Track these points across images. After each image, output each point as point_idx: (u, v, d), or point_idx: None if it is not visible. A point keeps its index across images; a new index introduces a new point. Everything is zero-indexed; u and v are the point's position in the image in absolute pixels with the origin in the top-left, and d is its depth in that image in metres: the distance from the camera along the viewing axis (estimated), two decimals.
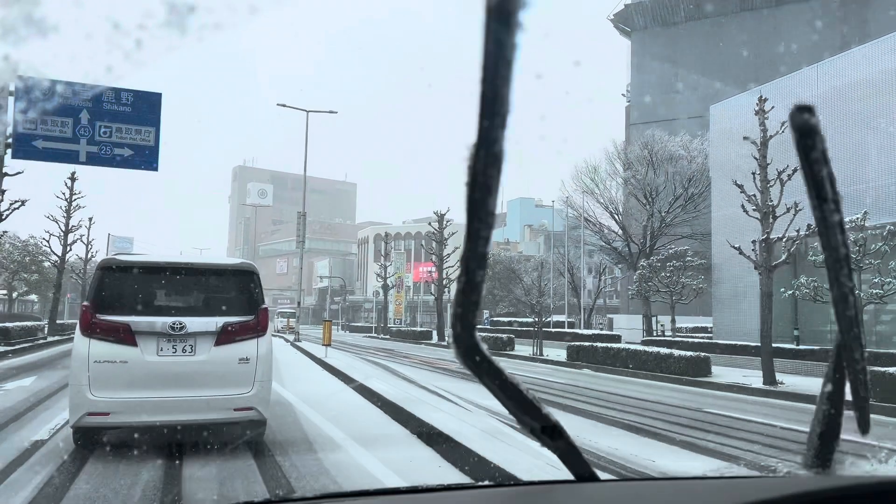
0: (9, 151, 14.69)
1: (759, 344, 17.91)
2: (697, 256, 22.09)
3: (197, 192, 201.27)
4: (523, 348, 23.83)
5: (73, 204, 24.55)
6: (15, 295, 41.55)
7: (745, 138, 13.15)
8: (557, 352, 22.04)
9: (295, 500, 1.37)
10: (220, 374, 5.50)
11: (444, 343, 29.44)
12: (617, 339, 24.07)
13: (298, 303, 30.54)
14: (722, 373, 14.95)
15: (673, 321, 22.33)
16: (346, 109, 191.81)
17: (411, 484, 1.12)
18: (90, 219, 31.62)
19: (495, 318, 39.09)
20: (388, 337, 37.95)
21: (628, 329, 30.41)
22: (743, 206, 12.98)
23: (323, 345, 17.39)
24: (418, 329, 36.55)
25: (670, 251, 21.71)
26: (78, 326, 5.53)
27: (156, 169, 15.47)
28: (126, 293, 5.63)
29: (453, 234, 35.24)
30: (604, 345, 18.06)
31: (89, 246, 32.22)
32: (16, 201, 16.61)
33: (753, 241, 13.06)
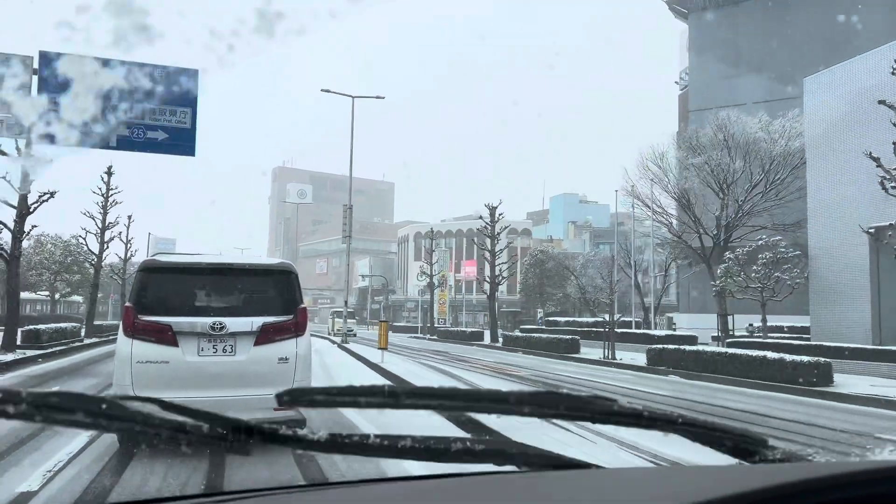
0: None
1: (873, 346, 15.54)
2: (793, 247, 19.70)
3: (237, 192, 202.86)
4: (589, 351, 21.77)
5: (110, 199, 23.29)
6: (58, 296, 41.06)
7: (881, 102, 10.93)
8: (631, 355, 19.93)
9: (339, 485, 1.24)
10: (259, 374, 5.47)
11: (499, 344, 27.49)
12: (692, 340, 21.83)
13: (345, 301, 28.82)
14: (844, 381, 12.70)
15: (764, 320, 20.00)
16: (383, 108, 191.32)
17: None
18: (129, 217, 30.52)
19: (550, 318, 36.85)
20: (435, 337, 36.03)
21: (690, 329, 28.11)
22: (882, 183, 10.77)
23: (379, 348, 15.52)
24: (468, 329, 34.47)
25: (759, 242, 19.39)
26: (121, 327, 5.54)
27: (192, 153, 13.90)
28: (167, 294, 5.62)
29: (505, 228, 33.15)
30: (693, 348, 15.91)
31: (129, 245, 31.17)
32: (44, 194, 15.25)
33: (874, 228, 10.88)
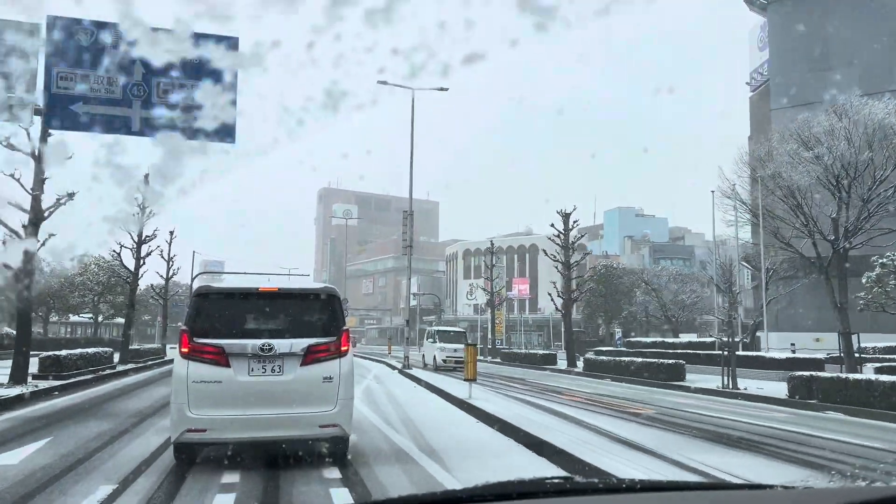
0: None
1: None
2: None
3: (284, 213, 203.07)
4: (696, 378, 18.31)
5: (147, 210, 21.00)
6: (101, 318, 39.32)
7: None
8: (755, 383, 16.44)
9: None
10: (305, 393, 5.73)
11: (578, 369, 24.04)
12: (818, 364, 18.19)
13: (407, 321, 25.81)
14: None
15: None
16: (425, 128, 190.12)
17: None
18: (171, 232, 28.34)
19: (632, 339, 33.07)
20: (498, 360, 32.66)
21: (781, 350, 24.35)
22: None
23: (465, 379, 12.12)
24: (539, 352, 30.70)
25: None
26: (178, 349, 5.88)
27: (232, 141, 11.23)
28: (220, 318, 5.93)
29: (580, 237, 29.71)
30: (862, 377, 12.44)
31: (170, 262, 28.95)
32: (62, 196, 12.85)
33: None
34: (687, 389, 16.47)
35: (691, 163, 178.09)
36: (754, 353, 22.94)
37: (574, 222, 28.23)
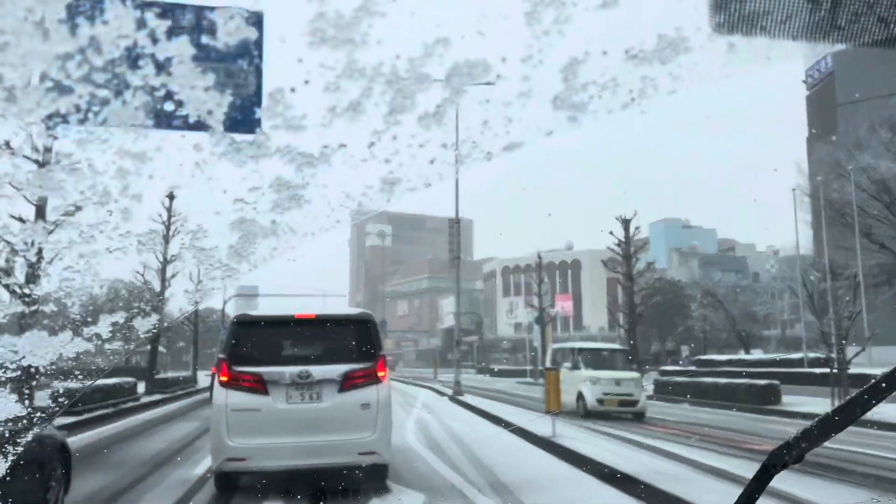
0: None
1: None
2: None
3: (317, 236, 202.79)
4: (793, 400, 16.00)
5: (172, 228, 19.52)
6: (133, 346, 38.26)
7: None
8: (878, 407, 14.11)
9: None
10: (344, 420, 5.71)
11: (647, 392, 21.53)
12: None
13: (458, 342, 23.89)
14: None
15: None
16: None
17: None
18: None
19: (701, 357, 30.32)
20: None
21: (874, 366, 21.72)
22: None
23: (547, 411, 10.09)
24: None
25: None
26: (216, 377, 5.93)
27: (252, 130, 9.55)
28: (258, 345, 5.96)
29: (642, 246, 27.50)
30: None
31: (198, 285, 27.66)
32: (71, 206, 11.33)
33: None
34: (791, 415, 14.18)
35: (737, 172, 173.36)
36: (858, 371, 20.45)
37: (636, 229, 26.10)
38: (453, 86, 1.35)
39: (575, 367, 14.69)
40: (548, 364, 15.90)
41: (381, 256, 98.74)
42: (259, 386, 5.62)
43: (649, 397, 21.08)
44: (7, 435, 1.69)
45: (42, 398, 12.44)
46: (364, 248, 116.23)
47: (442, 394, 21.16)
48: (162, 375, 23.72)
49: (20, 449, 1.69)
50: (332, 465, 5.68)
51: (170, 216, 19.75)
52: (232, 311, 32.63)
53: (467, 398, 17.84)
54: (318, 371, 5.67)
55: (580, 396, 14.12)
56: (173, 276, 20.32)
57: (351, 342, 6.07)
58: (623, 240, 25.83)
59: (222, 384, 5.74)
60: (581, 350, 15.80)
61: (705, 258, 66.81)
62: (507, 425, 11.03)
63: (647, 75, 1.37)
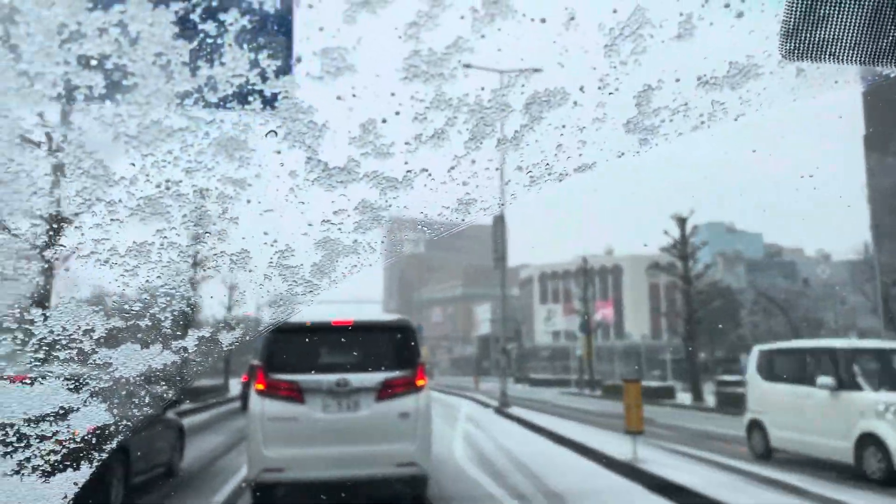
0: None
1: None
2: None
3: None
4: None
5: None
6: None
7: None
8: None
9: None
10: (381, 430, 5.62)
11: (708, 404, 21.08)
12: None
13: (504, 349, 23.74)
14: None
15: None
16: None
17: None
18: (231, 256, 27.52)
19: None
20: (599, 393, 30.01)
21: None
22: None
23: (629, 431, 8.27)
24: (653, 384, 26.70)
25: None
26: (252, 386, 5.93)
27: (273, 106, 9.66)
28: (294, 353, 5.88)
29: (701, 246, 26.41)
30: None
31: (232, 290, 28.17)
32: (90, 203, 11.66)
33: None
34: None
35: (785, 173, 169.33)
36: None
37: (693, 227, 25.11)
38: (531, 113, 1.45)
39: (846, 383, 8.32)
40: (751, 372, 10.38)
41: (416, 263, 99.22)
42: (296, 394, 5.59)
43: (713, 410, 20.61)
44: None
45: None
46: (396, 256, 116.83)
47: (486, 405, 20.46)
48: (200, 384, 24.20)
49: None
50: (370, 476, 5.62)
51: None
52: (266, 317, 32.94)
53: (515, 410, 17.18)
54: (355, 379, 5.62)
55: (869, 443, 7.74)
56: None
57: (389, 349, 6.03)
58: (678, 240, 24.74)
59: (258, 392, 5.72)
60: (858, 353, 8.79)
61: (752, 263, 65.58)
62: (574, 446, 9.96)
63: (717, 100, 1.46)
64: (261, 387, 5.71)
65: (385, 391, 5.69)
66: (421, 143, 1.44)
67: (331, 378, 5.60)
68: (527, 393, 31.42)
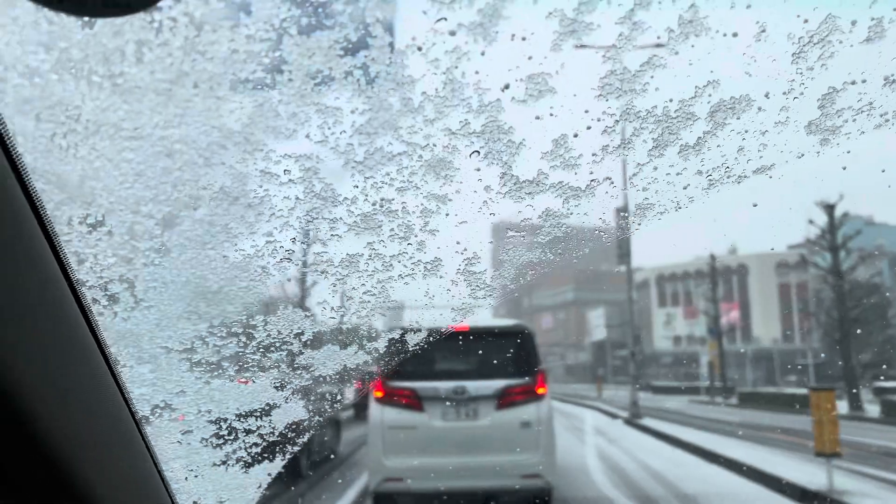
0: None
1: None
2: None
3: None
4: None
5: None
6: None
7: None
8: None
9: None
10: (503, 439, 5.56)
11: (869, 415, 18.85)
12: None
13: (633, 353, 22.80)
14: None
15: None
16: None
17: None
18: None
19: None
20: (734, 402, 28.14)
21: None
22: None
23: (821, 453, 7.16)
24: (796, 392, 23.94)
25: None
26: (371, 394, 5.79)
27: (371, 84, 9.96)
28: (411, 359, 4.56)
29: (854, 236, 23.95)
30: None
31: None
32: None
33: None
34: None
35: None
36: None
37: (843, 215, 23.01)
38: (716, 120, 1.55)
39: None
40: None
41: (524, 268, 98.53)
42: (414, 402, 5.61)
43: (880, 421, 18.17)
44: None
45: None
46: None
47: (613, 416, 19.48)
48: None
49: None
50: (493, 488, 5.54)
51: None
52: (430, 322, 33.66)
53: (648, 422, 16.22)
54: (473, 387, 5.58)
55: None
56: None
57: (507, 355, 5.96)
58: (826, 229, 22.75)
59: (377, 400, 5.74)
60: None
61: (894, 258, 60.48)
62: (746, 471, 8.57)
63: None
64: (379, 394, 5.72)
65: (505, 399, 5.63)
66: (607, 153, 1.57)
67: (448, 385, 5.59)
68: (650, 401, 30.22)
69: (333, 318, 2.00)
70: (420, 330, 6.85)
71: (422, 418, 5.56)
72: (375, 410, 5.73)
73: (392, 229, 1.68)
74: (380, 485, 5.56)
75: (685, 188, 1.72)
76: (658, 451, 11.66)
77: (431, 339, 6.91)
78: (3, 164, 0.82)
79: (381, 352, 2.10)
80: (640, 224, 1.81)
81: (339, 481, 8.15)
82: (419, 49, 1.29)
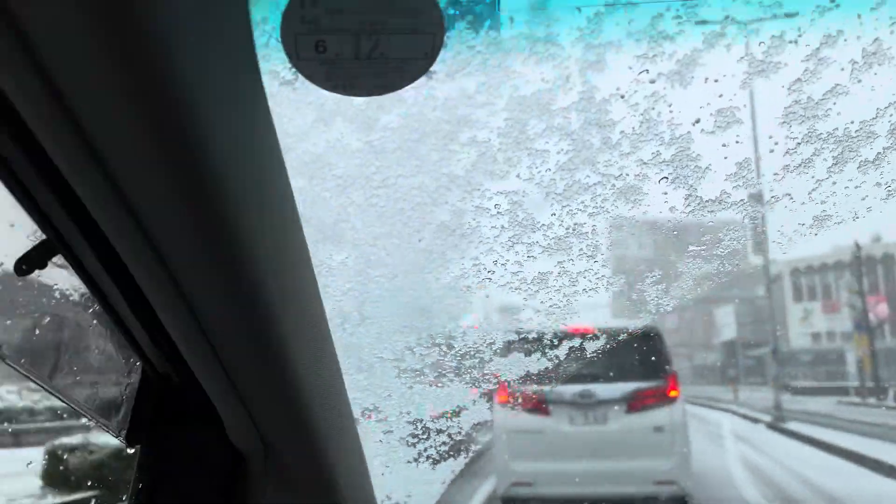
0: None
1: None
2: None
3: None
4: None
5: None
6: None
7: None
8: None
9: None
10: (634, 444, 5.44)
11: None
12: None
13: (773, 350, 21.83)
14: None
15: None
16: None
17: None
18: None
19: None
20: (893, 404, 25.89)
21: None
22: None
23: None
24: None
25: None
26: (496, 396, 5.25)
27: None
28: (534, 362, 4.21)
29: None
30: None
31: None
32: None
33: None
34: None
35: None
36: None
37: None
38: None
39: None
40: None
41: (639, 268, 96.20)
42: (540, 406, 5.57)
43: None
44: None
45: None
46: (618, 257, 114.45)
47: (754, 420, 18.32)
48: None
49: None
50: (625, 494, 5.46)
51: None
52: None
53: (794, 426, 15.00)
54: (601, 390, 5.54)
55: None
56: None
57: (637, 358, 5.87)
58: None
59: (501, 404, 5.57)
60: None
61: None
62: None
63: None
64: (504, 398, 5.69)
65: (636, 403, 5.61)
66: (788, 172, 1.72)
67: (576, 389, 5.53)
68: (792, 403, 28.38)
69: (521, 329, 2.26)
70: (541, 333, 6.81)
71: (548, 423, 5.58)
72: (500, 415, 5.61)
73: (581, 249, 1.89)
74: (508, 489, 5.58)
75: (863, 199, 1.82)
76: (810, 458, 10.79)
77: (559, 341, 6.85)
78: (291, 211, 1.09)
79: (562, 358, 2.31)
80: (816, 233, 1.93)
81: (468, 484, 8.35)
82: (622, 97, 1.50)
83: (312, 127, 1.47)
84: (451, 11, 1.34)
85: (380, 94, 1.29)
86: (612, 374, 5.70)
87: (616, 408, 5.58)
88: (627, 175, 1.71)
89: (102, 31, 0.58)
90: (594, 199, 1.77)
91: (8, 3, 0.56)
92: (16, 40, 0.59)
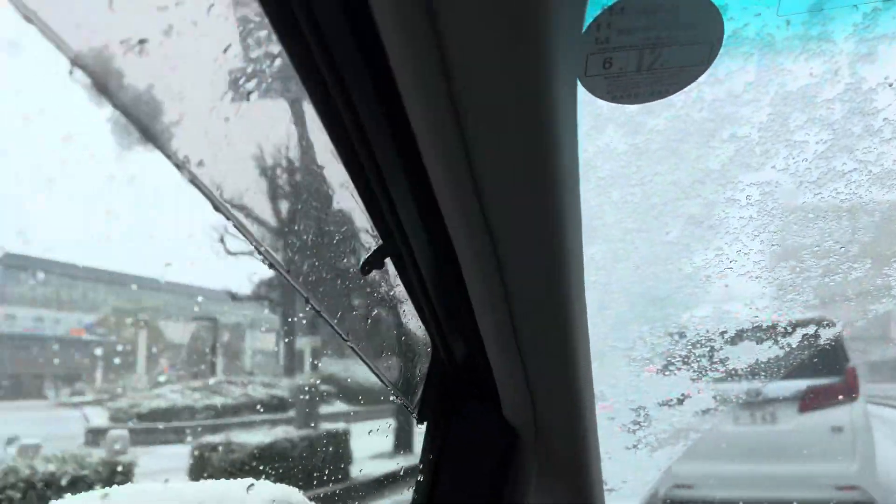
0: None
1: None
2: None
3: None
4: None
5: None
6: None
7: None
8: None
9: None
10: (809, 446, 5.12)
11: None
12: None
13: None
14: None
15: None
16: None
17: None
18: None
19: None
20: None
21: None
22: None
23: None
24: None
25: None
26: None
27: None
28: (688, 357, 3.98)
29: None
30: None
31: None
32: None
33: None
34: None
35: None
36: None
37: None
38: None
39: None
40: None
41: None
42: None
43: None
44: None
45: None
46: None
47: None
48: None
49: None
50: (800, 501, 5.10)
51: None
52: None
53: None
54: (769, 387, 5.20)
55: None
56: None
57: (808, 352, 5.41)
58: None
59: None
60: None
61: None
62: None
63: None
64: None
65: (809, 401, 5.28)
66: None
67: (740, 386, 5.07)
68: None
69: (757, 317, 2.30)
70: (781, 322, 6.45)
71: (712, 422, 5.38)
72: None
73: (828, 234, 1.93)
74: (669, 491, 5.42)
75: None
76: None
77: (792, 329, 6.52)
78: (574, 211, 1.11)
79: (794, 346, 2.32)
80: None
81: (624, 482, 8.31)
82: (889, 85, 1.55)
83: (587, 135, 1.64)
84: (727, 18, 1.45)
85: (655, 99, 1.42)
86: (780, 369, 5.41)
87: (787, 407, 5.27)
88: (884, 162, 1.73)
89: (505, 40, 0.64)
90: (848, 186, 1.80)
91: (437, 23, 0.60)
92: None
